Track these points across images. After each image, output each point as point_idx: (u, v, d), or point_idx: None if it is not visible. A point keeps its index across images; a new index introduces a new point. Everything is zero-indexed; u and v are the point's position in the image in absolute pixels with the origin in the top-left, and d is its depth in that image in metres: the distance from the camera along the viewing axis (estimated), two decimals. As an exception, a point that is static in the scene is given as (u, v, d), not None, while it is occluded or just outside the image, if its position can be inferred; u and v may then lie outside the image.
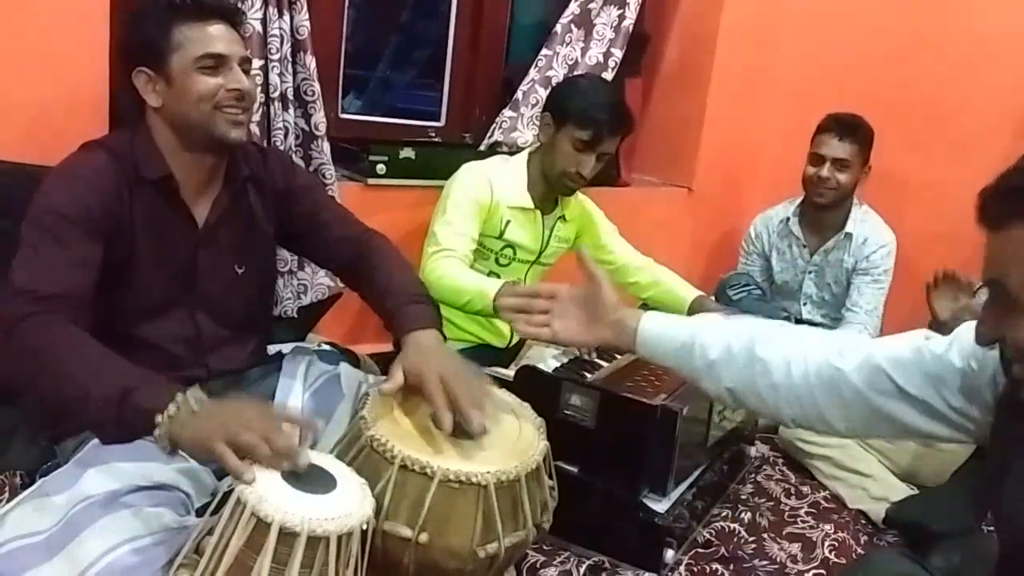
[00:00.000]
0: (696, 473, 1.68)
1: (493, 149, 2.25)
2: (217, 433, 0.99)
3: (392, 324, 1.32)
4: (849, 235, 2.36)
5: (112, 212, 1.22)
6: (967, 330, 0.92)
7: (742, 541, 1.69)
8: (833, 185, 2.30)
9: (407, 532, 1.06)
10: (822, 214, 2.39)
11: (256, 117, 1.70)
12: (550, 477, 1.23)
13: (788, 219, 2.48)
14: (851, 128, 2.30)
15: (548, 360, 1.65)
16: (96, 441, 1.16)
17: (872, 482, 1.92)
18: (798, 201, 2.47)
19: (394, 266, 1.40)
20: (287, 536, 0.91)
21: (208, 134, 1.25)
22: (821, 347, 1.06)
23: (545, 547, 1.53)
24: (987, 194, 0.83)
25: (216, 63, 1.24)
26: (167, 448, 1.02)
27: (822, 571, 1.63)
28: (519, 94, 2.29)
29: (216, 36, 1.24)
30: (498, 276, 1.94)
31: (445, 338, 1.30)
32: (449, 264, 1.69)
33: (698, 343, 1.10)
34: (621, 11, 2.37)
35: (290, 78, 1.76)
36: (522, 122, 2.27)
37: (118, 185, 1.23)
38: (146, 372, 1.09)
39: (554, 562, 1.51)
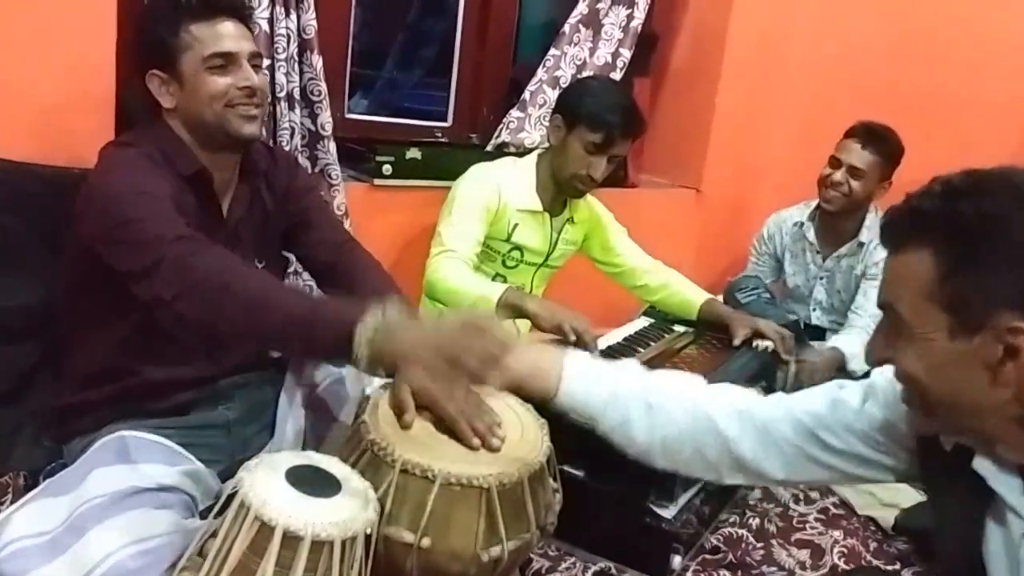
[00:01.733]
0: (704, 478, 1.67)
1: (500, 150, 2.24)
2: (423, 354, 1.02)
3: None
4: (862, 244, 2.32)
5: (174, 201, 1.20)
6: (881, 379, 0.93)
7: (750, 547, 1.68)
8: (845, 191, 2.25)
9: (409, 537, 1.04)
10: (837, 221, 2.35)
11: (263, 117, 1.70)
12: (554, 479, 1.22)
13: (803, 224, 2.45)
14: (876, 138, 2.24)
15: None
16: (103, 442, 1.16)
17: (882, 488, 1.90)
18: (813, 205, 2.43)
19: (380, 282, 1.37)
20: (291, 540, 0.90)
21: (224, 132, 1.25)
22: (752, 401, 1.06)
23: (551, 552, 1.52)
24: (889, 215, 0.84)
25: (225, 61, 1.23)
26: (367, 368, 1.03)
27: (831, 577, 1.62)
28: (527, 94, 2.28)
29: (224, 34, 1.24)
30: (505, 278, 1.93)
31: None
32: (451, 266, 1.68)
33: (633, 391, 1.07)
34: (630, 11, 2.36)
35: (296, 78, 1.75)
36: (529, 122, 2.26)
37: (168, 179, 1.22)
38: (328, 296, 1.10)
39: (560, 567, 1.50)
